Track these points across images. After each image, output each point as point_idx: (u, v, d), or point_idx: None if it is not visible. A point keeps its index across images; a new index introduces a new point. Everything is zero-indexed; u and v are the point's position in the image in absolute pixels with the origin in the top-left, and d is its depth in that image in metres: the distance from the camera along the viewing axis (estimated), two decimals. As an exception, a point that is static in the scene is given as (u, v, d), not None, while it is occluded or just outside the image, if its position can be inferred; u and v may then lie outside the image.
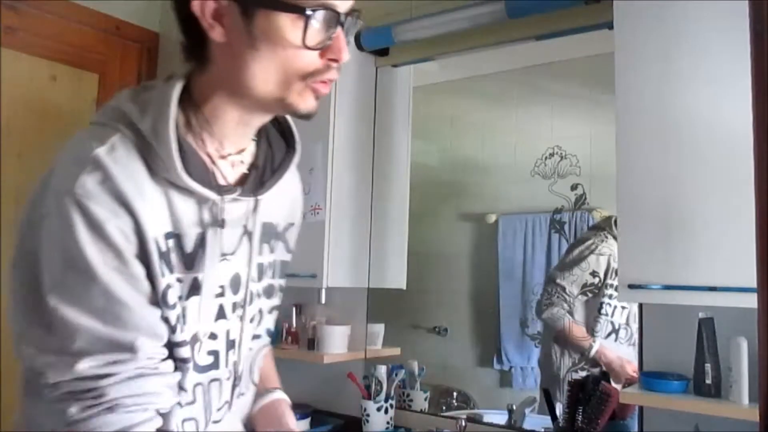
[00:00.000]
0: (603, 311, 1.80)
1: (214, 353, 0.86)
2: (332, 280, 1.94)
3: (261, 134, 0.92)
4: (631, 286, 1.35)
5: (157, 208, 0.78)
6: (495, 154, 2.13)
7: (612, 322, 1.79)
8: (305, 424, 1.98)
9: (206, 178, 0.82)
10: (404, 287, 2.14)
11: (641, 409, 1.57)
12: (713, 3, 1.31)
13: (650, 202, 1.35)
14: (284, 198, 0.96)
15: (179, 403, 0.82)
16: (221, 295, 0.86)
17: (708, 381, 1.36)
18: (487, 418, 1.90)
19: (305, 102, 0.81)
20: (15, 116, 2.26)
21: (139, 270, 0.76)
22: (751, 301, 0.67)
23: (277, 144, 0.94)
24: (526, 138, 2.04)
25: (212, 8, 0.77)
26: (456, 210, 2.19)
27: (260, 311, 0.95)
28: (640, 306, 1.58)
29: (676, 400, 1.38)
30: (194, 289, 0.82)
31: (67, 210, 0.72)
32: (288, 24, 0.75)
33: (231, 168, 0.86)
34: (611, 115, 1.41)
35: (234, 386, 0.91)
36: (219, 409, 0.89)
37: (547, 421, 1.68)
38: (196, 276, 0.82)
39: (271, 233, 0.94)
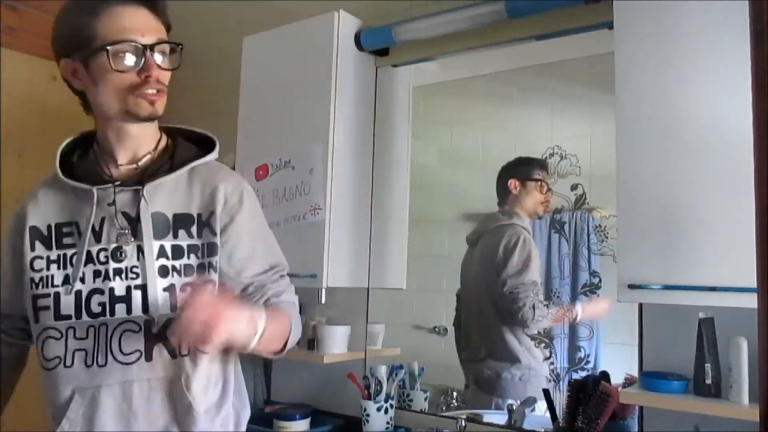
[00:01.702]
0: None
1: (102, 305, 1.13)
2: (332, 280, 1.93)
3: (167, 148, 1.22)
4: (631, 286, 1.35)
5: (51, 209, 1.19)
6: (495, 154, 2.13)
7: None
8: (305, 424, 1.98)
9: (91, 179, 1.16)
10: (404, 287, 2.14)
11: (641, 409, 1.57)
12: (713, 3, 1.31)
13: (650, 202, 1.35)
14: (203, 191, 1.20)
15: (68, 335, 1.13)
16: (105, 263, 1.14)
17: (708, 381, 1.36)
18: (487, 418, 1.90)
19: (142, 109, 1.12)
20: (15, 116, 2.26)
21: (10, 251, 1.20)
22: (751, 301, 0.67)
23: (184, 152, 1.22)
24: (526, 138, 2.04)
25: (70, 69, 1.14)
26: (456, 210, 2.19)
27: (188, 285, 1.15)
28: (640, 306, 1.58)
29: (676, 400, 1.38)
30: (89, 258, 1.14)
31: None
32: (105, 62, 1.09)
33: (117, 170, 1.19)
34: (611, 115, 1.42)
35: (149, 339, 1.12)
36: (128, 354, 1.12)
37: (547, 421, 1.68)
38: (89, 249, 1.14)
39: (186, 221, 1.18)
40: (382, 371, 1.92)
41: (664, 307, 1.50)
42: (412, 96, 2.20)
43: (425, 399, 2.04)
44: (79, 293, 1.14)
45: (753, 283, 0.64)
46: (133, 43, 1.09)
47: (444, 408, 2.05)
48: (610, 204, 1.69)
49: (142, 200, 1.15)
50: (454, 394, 2.06)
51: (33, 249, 1.17)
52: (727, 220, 1.26)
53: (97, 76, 1.11)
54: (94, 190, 1.15)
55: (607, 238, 1.78)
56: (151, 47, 1.11)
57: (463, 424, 1.76)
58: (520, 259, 1.93)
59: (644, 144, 1.37)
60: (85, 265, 1.15)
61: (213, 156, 1.24)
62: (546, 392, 1.70)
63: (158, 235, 1.15)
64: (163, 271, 1.14)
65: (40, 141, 2.30)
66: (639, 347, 1.58)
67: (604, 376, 1.57)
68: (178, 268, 1.15)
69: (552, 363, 1.84)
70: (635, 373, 1.57)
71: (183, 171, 1.19)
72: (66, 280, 1.14)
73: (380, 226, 2.12)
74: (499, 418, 1.86)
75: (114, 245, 1.15)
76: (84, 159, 1.22)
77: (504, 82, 2.07)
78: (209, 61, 2.57)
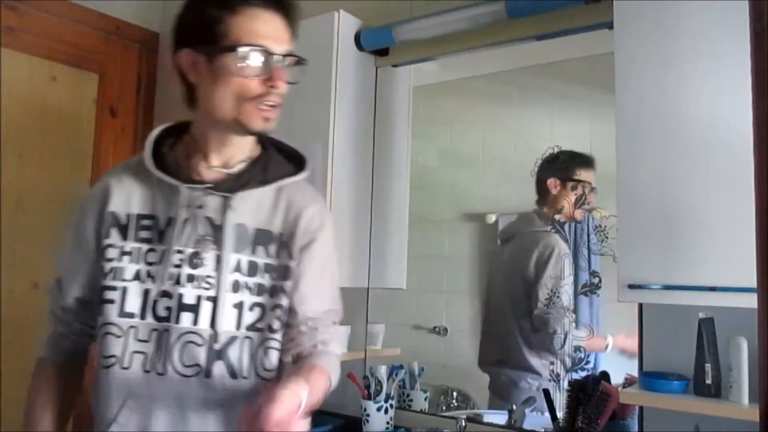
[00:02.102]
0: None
1: (169, 309, 1.08)
2: (332, 280, 1.93)
3: (260, 158, 1.18)
4: (631, 286, 1.35)
5: (133, 197, 1.13)
6: (495, 154, 2.13)
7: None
8: (305, 424, 1.98)
9: (180, 175, 1.12)
10: (404, 287, 2.14)
11: (641, 409, 1.57)
12: (713, 3, 1.31)
13: (650, 202, 1.35)
14: (288, 211, 1.16)
15: (129, 335, 1.07)
16: (179, 266, 1.08)
17: (708, 381, 1.36)
18: (487, 418, 1.90)
19: (254, 122, 1.08)
20: (15, 116, 2.26)
21: (90, 227, 1.14)
22: (751, 301, 0.67)
23: (277, 167, 1.18)
24: (526, 138, 2.04)
25: (190, 60, 1.09)
26: (456, 210, 2.19)
27: (257, 305, 1.11)
28: (640, 306, 1.58)
29: (676, 400, 1.38)
30: (163, 257, 1.09)
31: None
32: (233, 62, 1.05)
33: (208, 171, 1.14)
34: (611, 115, 1.41)
35: (211, 355, 1.07)
36: (188, 366, 1.07)
37: (547, 421, 1.68)
38: (164, 248, 1.09)
39: (267, 238, 1.13)
40: (382, 371, 1.92)
41: (664, 307, 1.50)
42: (412, 96, 2.20)
43: (425, 399, 2.04)
44: (147, 292, 1.08)
45: (753, 283, 0.64)
46: (265, 50, 1.06)
47: (444, 408, 2.05)
48: (610, 204, 1.69)
49: (230, 209, 1.10)
50: (454, 394, 2.07)
51: (108, 236, 1.11)
52: (727, 220, 1.26)
53: (219, 75, 1.06)
54: (184, 188, 1.10)
55: (607, 238, 1.78)
56: (281, 57, 1.07)
57: (463, 424, 1.76)
58: (553, 273, 1.85)
59: (644, 144, 1.37)
60: (159, 263, 1.09)
61: (305, 175, 1.19)
62: (546, 392, 1.70)
63: (238, 247, 1.10)
64: (235, 287, 1.09)
65: (40, 141, 2.30)
66: (639, 347, 1.58)
67: (604, 376, 1.57)
68: (250, 285, 1.10)
69: (552, 363, 1.84)
70: (635, 373, 1.57)
71: (273, 186, 1.15)
72: (137, 276, 1.09)
73: (380, 226, 2.12)
74: (499, 418, 1.86)
75: (192, 250, 1.09)
76: (173, 151, 1.16)
77: (504, 82, 2.07)
78: (209, 61, 2.56)
